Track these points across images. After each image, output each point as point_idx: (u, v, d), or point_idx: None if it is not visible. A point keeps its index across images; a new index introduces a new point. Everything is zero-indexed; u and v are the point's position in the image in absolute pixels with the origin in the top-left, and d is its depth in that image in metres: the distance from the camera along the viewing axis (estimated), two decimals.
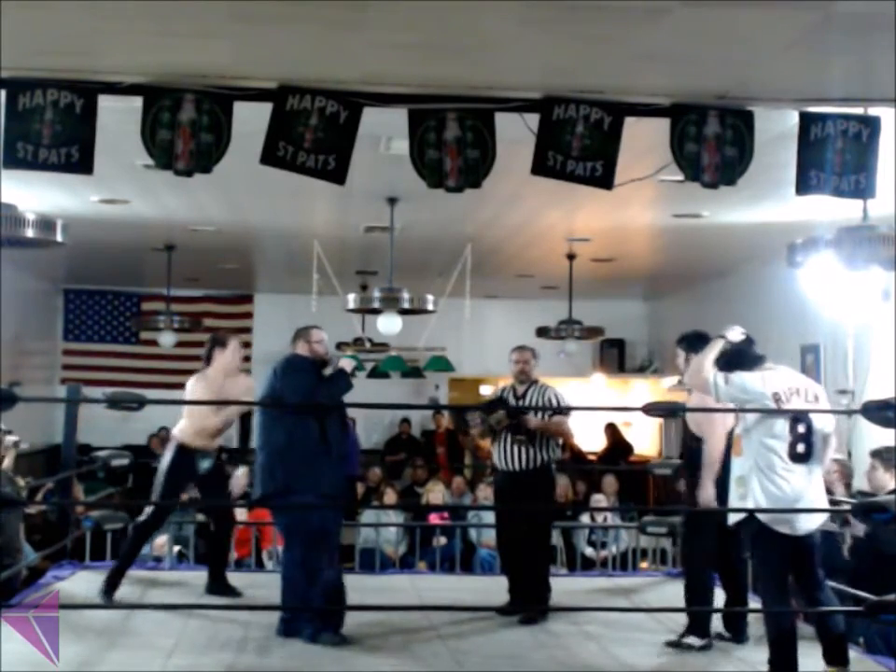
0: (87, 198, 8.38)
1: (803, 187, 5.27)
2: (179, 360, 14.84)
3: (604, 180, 5.17)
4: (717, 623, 6.16)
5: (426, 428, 16.04)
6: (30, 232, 5.32)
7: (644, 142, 5.52)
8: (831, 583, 5.48)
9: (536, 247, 10.99)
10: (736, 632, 6.12)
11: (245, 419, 7.07)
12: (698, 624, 5.95)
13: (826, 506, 5.41)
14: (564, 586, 7.32)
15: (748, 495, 5.12)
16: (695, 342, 6.16)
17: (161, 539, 9.10)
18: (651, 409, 7.16)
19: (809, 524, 5.15)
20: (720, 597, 6.26)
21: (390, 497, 10.74)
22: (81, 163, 4.91)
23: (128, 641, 5.89)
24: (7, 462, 8.00)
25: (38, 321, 14.91)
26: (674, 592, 6.70)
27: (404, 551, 9.81)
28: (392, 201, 8.36)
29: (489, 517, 9.54)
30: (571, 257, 11.17)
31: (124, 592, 7.13)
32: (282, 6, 4.24)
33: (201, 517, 9.14)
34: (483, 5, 4.19)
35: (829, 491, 5.67)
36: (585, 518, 10.45)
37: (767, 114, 5.35)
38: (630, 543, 9.52)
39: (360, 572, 8.73)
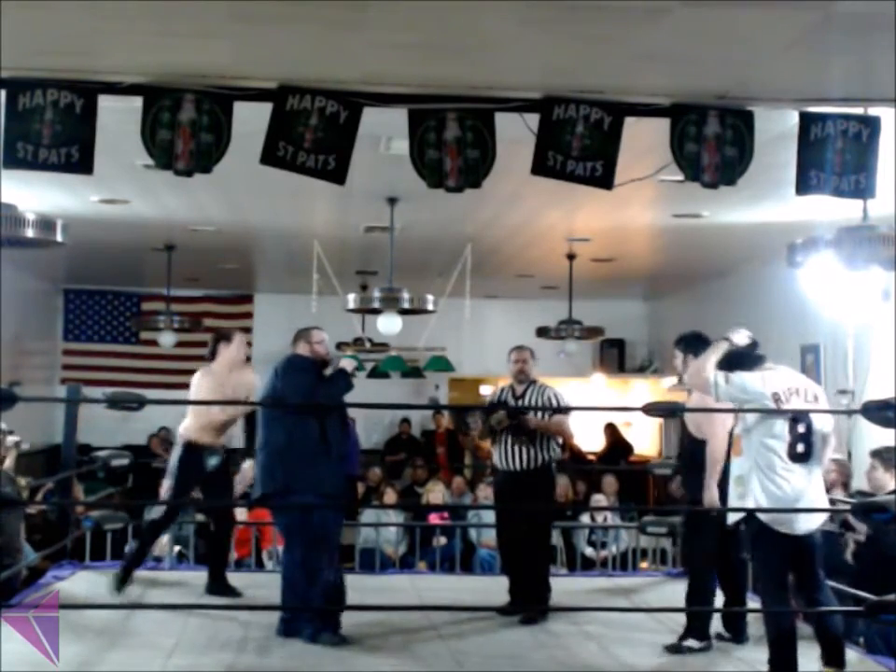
0: (87, 198, 8.38)
1: (803, 187, 5.26)
2: (179, 360, 14.83)
3: (604, 180, 5.17)
4: (716, 624, 6.16)
5: (426, 428, 16.04)
6: (30, 232, 5.32)
7: (644, 142, 5.52)
8: (831, 583, 5.47)
9: (536, 247, 10.98)
10: (736, 632, 6.12)
11: (250, 417, 7.07)
12: (698, 626, 5.95)
13: (826, 506, 5.41)
14: (564, 586, 7.32)
15: (747, 494, 5.12)
16: (693, 343, 6.16)
17: (163, 540, 9.11)
18: (651, 409, 7.16)
19: (809, 524, 5.15)
20: (718, 597, 6.25)
21: (390, 497, 10.74)
22: (81, 163, 4.91)
23: (128, 641, 5.89)
24: (9, 462, 8.00)
25: (38, 321, 14.91)
26: (674, 592, 6.71)
27: (404, 551, 9.81)
28: (392, 201, 8.36)
29: (489, 517, 9.53)
30: (571, 257, 11.16)
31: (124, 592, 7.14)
32: (282, 6, 4.24)
33: (201, 517, 9.15)
34: (483, 5, 4.19)
35: (828, 491, 5.67)
36: (585, 518, 10.45)
37: (767, 114, 5.35)
38: (630, 543, 9.53)
39: (360, 572, 8.73)
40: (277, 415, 6.04)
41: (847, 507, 6.18)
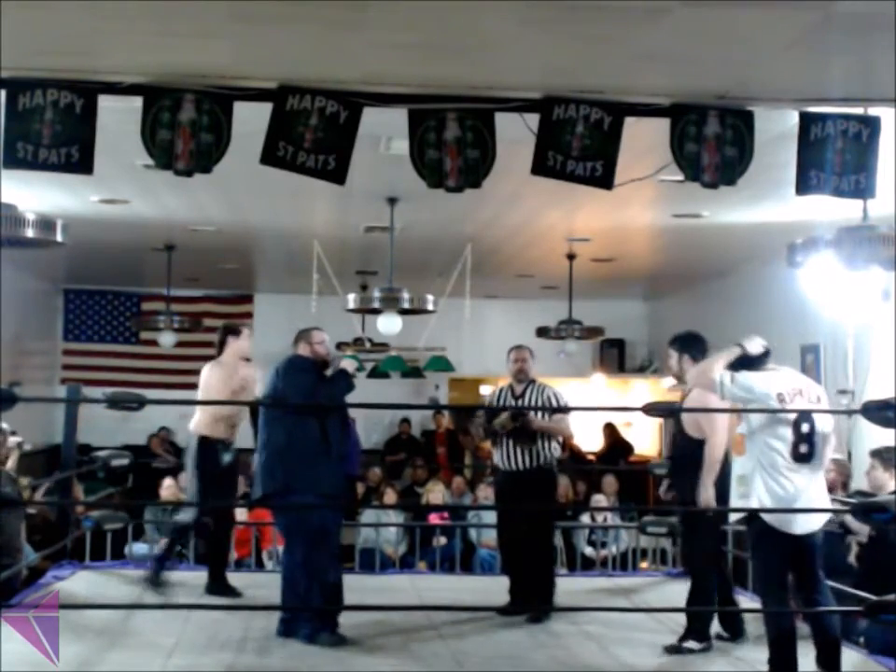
0: (87, 198, 8.38)
1: (803, 187, 5.26)
2: (179, 360, 14.85)
3: (604, 180, 5.17)
4: (715, 624, 6.16)
5: (426, 428, 16.04)
6: (30, 232, 5.32)
7: (644, 142, 5.52)
8: (832, 584, 5.47)
9: (536, 247, 10.98)
10: (734, 631, 6.12)
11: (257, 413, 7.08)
12: (698, 628, 5.94)
13: (828, 506, 5.41)
14: (564, 586, 7.31)
15: (750, 494, 5.11)
16: (688, 342, 6.17)
17: (164, 542, 9.11)
18: (651, 409, 7.17)
19: (812, 524, 5.15)
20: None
21: (390, 497, 10.74)
22: (81, 163, 4.91)
23: (128, 641, 5.89)
24: (11, 463, 8.01)
25: (38, 321, 14.91)
26: (674, 592, 6.71)
27: (404, 551, 9.81)
28: (392, 201, 8.36)
29: (489, 517, 9.54)
30: (571, 257, 11.16)
31: (124, 592, 7.14)
32: (282, 6, 4.24)
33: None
34: (483, 5, 4.19)
35: (829, 491, 5.67)
36: (585, 518, 10.45)
37: (767, 114, 5.35)
38: (630, 543, 9.53)
39: (360, 572, 8.74)
40: (278, 415, 6.05)
41: (848, 507, 6.17)
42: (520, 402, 6.99)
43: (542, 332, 11.87)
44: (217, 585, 7.10)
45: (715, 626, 6.12)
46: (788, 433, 5.07)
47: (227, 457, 7.03)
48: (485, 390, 15.95)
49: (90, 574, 7.67)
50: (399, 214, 8.50)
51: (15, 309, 12.42)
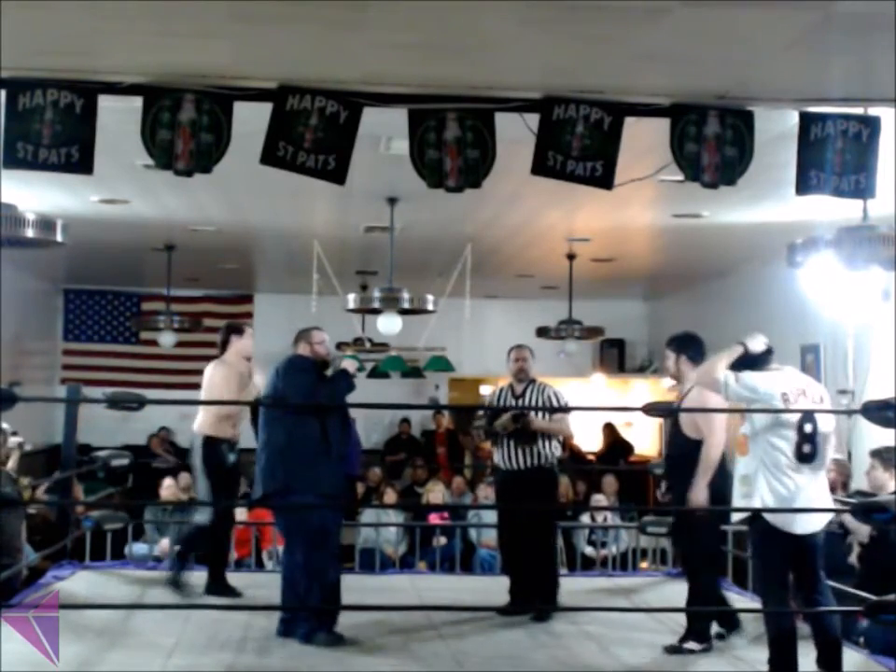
0: (87, 198, 8.38)
1: (803, 187, 5.26)
2: (179, 360, 14.86)
3: (604, 180, 5.17)
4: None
5: (426, 428, 16.04)
6: (30, 232, 5.32)
7: (644, 142, 5.52)
8: (833, 584, 5.47)
9: (536, 247, 10.98)
10: (730, 625, 6.11)
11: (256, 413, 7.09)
12: (698, 629, 5.93)
13: (831, 506, 5.40)
14: (564, 586, 7.29)
15: (753, 494, 5.11)
16: (685, 343, 6.17)
17: (165, 542, 9.12)
18: (651, 409, 7.17)
19: (814, 524, 5.15)
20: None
21: (390, 497, 10.74)
22: (81, 163, 4.91)
23: (128, 641, 5.89)
24: (12, 463, 8.01)
25: (38, 321, 14.91)
26: (674, 592, 6.71)
27: (404, 551, 9.81)
28: (392, 201, 8.36)
29: (489, 517, 9.54)
30: (571, 257, 11.16)
31: (124, 592, 7.14)
32: (282, 6, 4.24)
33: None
34: (483, 5, 4.19)
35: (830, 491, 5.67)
36: (585, 518, 10.45)
37: (767, 114, 5.35)
38: (630, 543, 9.53)
39: (360, 572, 8.74)
40: (278, 415, 6.05)
41: (848, 507, 6.17)
42: (520, 402, 6.99)
43: (542, 332, 11.87)
44: (217, 585, 7.10)
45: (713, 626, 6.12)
46: (791, 433, 5.07)
47: (232, 457, 7.03)
48: (485, 390, 15.96)
49: (90, 574, 7.67)
50: (398, 214, 8.50)
51: (15, 309, 12.42)
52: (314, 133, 4.98)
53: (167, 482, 10.02)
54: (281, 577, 6.10)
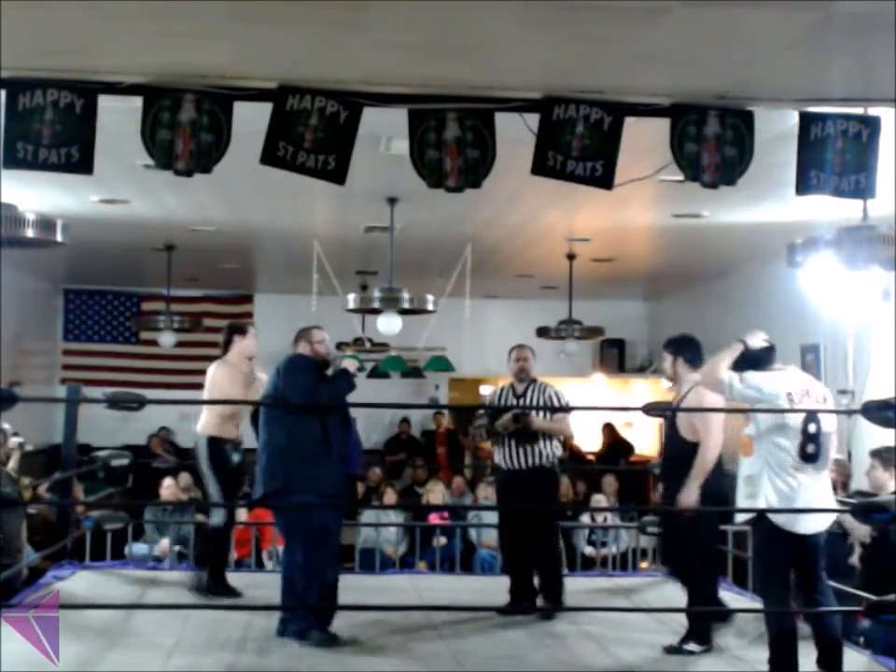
0: (87, 198, 8.38)
1: (803, 187, 5.26)
2: (179, 360, 14.86)
3: (604, 180, 5.17)
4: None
5: (426, 428, 16.05)
6: (30, 232, 5.32)
7: (644, 142, 5.52)
8: (833, 584, 5.47)
9: (536, 247, 10.99)
10: (720, 617, 6.11)
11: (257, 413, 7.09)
12: (699, 630, 5.92)
13: (834, 506, 5.41)
14: (565, 586, 7.31)
15: (758, 494, 5.12)
16: (682, 345, 6.17)
17: (165, 542, 9.12)
18: (650, 409, 7.16)
19: (818, 523, 5.16)
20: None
21: (390, 497, 10.74)
22: (81, 163, 4.91)
23: (128, 641, 5.89)
24: (13, 463, 8.01)
25: (38, 321, 14.91)
26: (674, 592, 6.70)
27: (404, 551, 9.81)
28: (392, 201, 8.36)
29: (489, 517, 9.54)
30: (571, 257, 11.16)
31: (124, 592, 7.14)
32: (282, 6, 4.24)
33: (200, 517, 9.15)
34: (483, 5, 4.19)
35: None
36: (585, 518, 10.45)
37: (767, 114, 5.35)
38: (630, 543, 9.53)
39: (360, 572, 8.74)
40: (279, 415, 6.04)
41: (848, 507, 6.17)
42: (521, 402, 6.98)
43: (542, 332, 11.87)
44: (217, 585, 7.10)
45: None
46: (796, 433, 5.07)
47: (236, 457, 7.03)
48: (485, 390, 15.97)
49: (90, 574, 7.67)
50: (398, 214, 8.50)
51: (15, 309, 12.43)
52: (314, 133, 4.98)
53: (167, 482, 10.02)
54: (281, 577, 6.10)
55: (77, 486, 10.07)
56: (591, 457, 14.93)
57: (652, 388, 15.62)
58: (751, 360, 5.25)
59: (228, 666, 5.47)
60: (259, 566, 9.16)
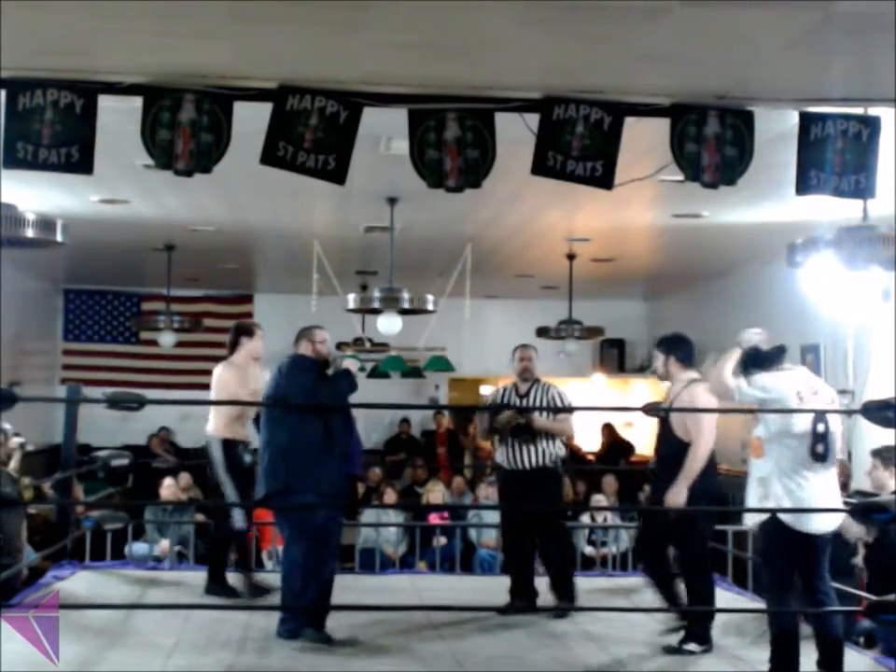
0: (87, 198, 8.38)
1: (803, 187, 5.27)
2: (179, 360, 14.87)
3: (604, 180, 5.17)
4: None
5: (426, 428, 16.04)
6: (30, 232, 5.32)
7: (644, 142, 5.52)
8: (836, 585, 5.47)
9: (536, 247, 10.99)
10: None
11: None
12: (698, 630, 5.92)
13: (841, 506, 5.41)
14: None
15: (769, 495, 5.13)
16: (674, 344, 6.19)
17: (165, 543, 9.12)
18: (650, 409, 7.16)
19: (829, 523, 5.17)
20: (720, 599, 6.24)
21: (390, 497, 10.74)
22: (81, 163, 4.91)
23: (128, 641, 5.89)
24: (14, 463, 8.01)
25: (38, 321, 14.91)
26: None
27: (404, 551, 9.81)
28: (392, 201, 8.36)
29: (489, 517, 9.55)
30: (571, 257, 11.17)
31: (124, 592, 7.14)
32: (282, 6, 4.24)
33: (200, 517, 9.15)
34: (483, 5, 4.19)
35: None
36: (585, 518, 10.45)
37: (767, 114, 5.35)
38: (630, 543, 9.52)
39: (360, 572, 8.74)
40: (281, 415, 6.03)
41: (848, 507, 6.18)
42: (524, 401, 6.98)
43: (542, 332, 11.87)
44: (217, 585, 7.10)
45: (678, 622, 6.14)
46: (806, 433, 5.08)
47: (248, 458, 7.03)
48: (485, 390, 15.96)
49: (90, 574, 7.66)
50: (398, 214, 8.50)
51: (15, 309, 12.43)
52: (314, 133, 4.98)
53: (167, 482, 10.03)
54: (281, 577, 6.10)
55: (77, 486, 10.07)
56: (591, 457, 14.93)
57: (652, 388, 15.59)
58: (760, 360, 5.27)
59: (228, 666, 5.47)
60: (259, 565, 9.16)
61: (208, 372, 7.26)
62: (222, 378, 7.03)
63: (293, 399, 6.00)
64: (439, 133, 5.07)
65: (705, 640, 5.90)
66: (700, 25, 4.38)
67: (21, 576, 7.38)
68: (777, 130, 5.72)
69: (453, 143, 5.07)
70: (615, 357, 16.33)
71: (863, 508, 5.49)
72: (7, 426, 7.98)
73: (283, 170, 5.05)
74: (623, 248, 11.15)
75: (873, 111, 5.23)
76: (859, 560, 7.01)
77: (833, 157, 5.20)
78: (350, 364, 6.13)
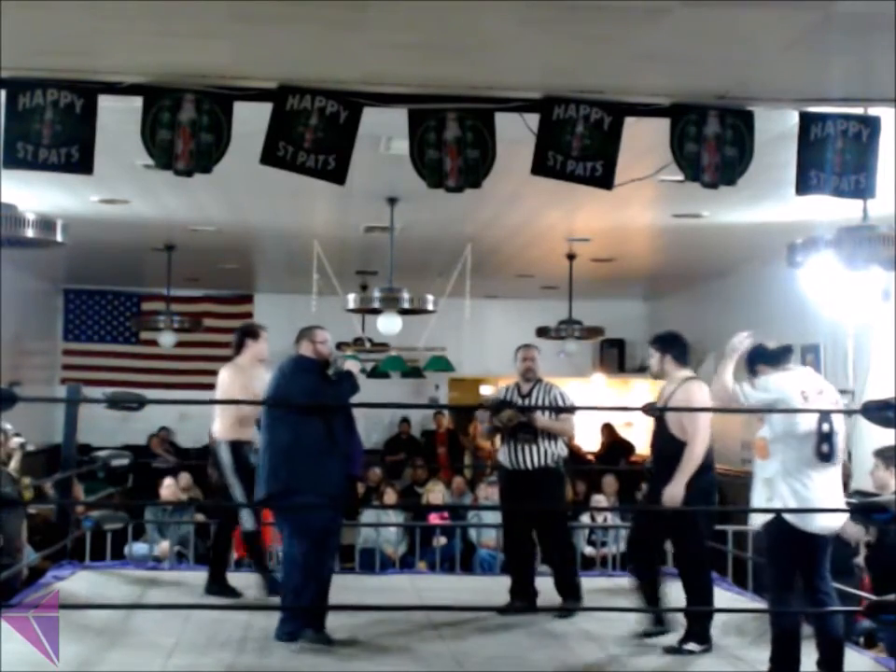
0: (87, 198, 8.38)
1: (803, 187, 5.27)
2: (179, 360, 14.87)
3: (604, 180, 5.17)
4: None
5: (426, 428, 16.04)
6: (30, 232, 5.32)
7: (644, 142, 5.52)
8: (836, 585, 5.48)
9: (536, 247, 10.99)
10: (661, 624, 6.13)
11: None
12: (698, 630, 5.92)
13: (844, 505, 5.42)
14: None
15: (775, 496, 5.14)
16: (669, 342, 6.20)
17: (165, 545, 9.11)
18: (650, 409, 7.15)
19: (832, 522, 5.18)
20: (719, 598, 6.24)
21: (390, 497, 10.74)
22: (81, 163, 4.91)
23: (128, 641, 5.89)
24: (14, 463, 8.01)
25: (38, 321, 14.91)
26: (674, 592, 6.69)
27: (404, 551, 9.81)
28: (392, 201, 8.36)
29: (489, 517, 9.54)
30: (571, 257, 11.17)
31: (124, 592, 7.14)
32: (282, 6, 4.24)
33: (200, 517, 9.15)
34: (483, 5, 4.19)
35: None
36: (585, 518, 10.45)
37: (767, 114, 5.35)
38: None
39: (360, 572, 8.74)
40: (283, 416, 6.02)
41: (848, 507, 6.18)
42: (527, 401, 6.99)
43: (542, 332, 11.87)
44: (217, 585, 7.10)
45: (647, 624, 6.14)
46: (811, 433, 5.09)
47: (254, 459, 7.03)
48: (485, 390, 15.96)
49: (90, 574, 7.67)
50: (399, 214, 8.50)
51: (15, 309, 12.43)
52: (314, 133, 4.98)
53: (167, 481, 10.03)
54: (282, 579, 6.09)
55: (77, 486, 10.07)
56: (590, 457, 14.93)
57: (652, 388, 15.58)
58: (766, 357, 5.28)
59: (228, 666, 5.47)
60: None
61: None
62: (227, 381, 7.01)
63: (296, 400, 5.99)
64: (439, 133, 5.07)
65: (704, 640, 5.90)
66: (700, 25, 4.38)
67: (21, 576, 7.38)
68: (777, 130, 5.72)
69: (453, 143, 5.07)
70: (615, 357, 16.33)
71: (863, 508, 5.50)
72: (7, 426, 7.98)
73: (283, 170, 5.05)
74: (623, 248, 11.15)
75: (873, 111, 5.23)
76: (860, 560, 7.00)
77: (832, 157, 5.20)
78: (352, 366, 6.13)
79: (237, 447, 6.94)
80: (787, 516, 5.08)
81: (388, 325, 9.25)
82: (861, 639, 6.51)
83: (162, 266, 11.45)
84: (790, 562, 5.16)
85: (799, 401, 5.13)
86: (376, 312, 9.30)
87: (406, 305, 8.85)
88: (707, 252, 11.07)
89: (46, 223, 5.43)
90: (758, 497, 5.27)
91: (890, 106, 5.13)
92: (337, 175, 5.07)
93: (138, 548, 9.18)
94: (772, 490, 5.15)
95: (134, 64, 4.85)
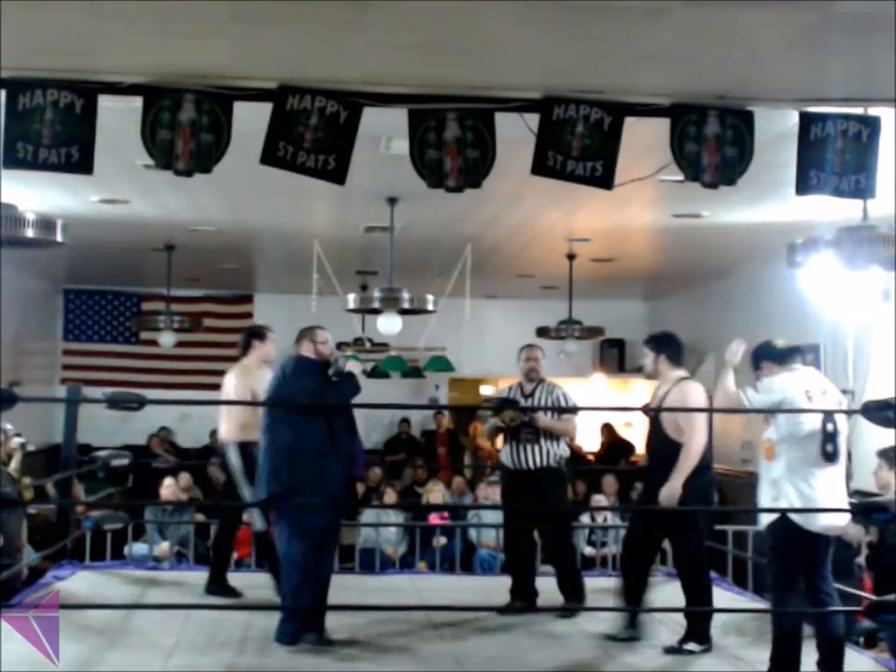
0: (87, 198, 8.38)
1: (803, 187, 5.27)
2: (179, 360, 14.86)
3: (604, 180, 5.17)
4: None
5: (426, 428, 16.04)
6: (30, 232, 5.32)
7: (644, 142, 5.52)
8: (836, 585, 5.48)
9: (536, 247, 10.99)
10: (632, 625, 6.14)
11: None
12: (698, 630, 5.92)
13: (848, 505, 5.43)
14: None
15: (780, 497, 5.14)
16: (664, 342, 6.20)
17: (165, 545, 9.11)
18: (650, 409, 7.14)
19: (836, 522, 5.18)
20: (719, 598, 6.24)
21: (390, 497, 10.74)
22: (81, 163, 4.91)
23: (128, 641, 5.90)
24: (14, 463, 8.01)
25: (38, 321, 14.91)
26: (674, 592, 6.70)
27: (404, 551, 9.81)
28: (392, 201, 8.36)
29: (489, 517, 9.54)
30: (571, 257, 11.17)
31: (124, 592, 7.14)
32: (282, 6, 4.24)
33: (200, 517, 9.15)
34: (483, 5, 4.19)
35: None
36: (585, 518, 10.45)
37: (767, 114, 5.35)
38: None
39: (360, 572, 8.74)
40: (284, 417, 6.02)
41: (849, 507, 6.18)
42: (529, 401, 6.99)
43: (542, 332, 11.87)
44: (218, 585, 7.10)
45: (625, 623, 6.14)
46: (816, 433, 5.10)
47: None
48: (485, 390, 15.96)
49: (90, 574, 7.67)
50: (399, 214, 8.50)
51: (15, 309, 12.42)
52: (314, 133, 4.98)
53: (167, 482, 10.02)
54: (283, 581, 6.09)
55: (78, 486, 10.07)
56: (590, 457, 14.93)
57: (652, 388, 15.61)
58: (773, 355, 5.29)
59: (228, 666, 5.47)
60: (260, 566, 9.14)
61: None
62: (233, 383, 6.99)
63: (297, 401, 5.98)
64: (439, 133, 5.07)
65: (704, 640, 5.90)
66: (700, 25, 4.39)
67: (21, 576, 7.38)
68: (777, 130, 5.72)
69: (453, 143, 5.07)
70: (615, 357, 16.33)
71: (864, 507, 5.50)
72: (7, 426, 7.98)
73: (283, 170, 5.05)
74: (623, 248, 11.15)
75: (873, 111, 5.23)
76: (861, 560, 7.00)
77: (832, 157, 5.20)
78: (354, 366, 6.12)
79: (246, 448, 6.93)
80: (792, 515, 5.09)
81: (388, 325, 9.25)
82: (862, 639, 6.51)
83: (162, 266, 11.45)
84: (794, 562, 5.17)
85: (803, 401, 5.14)
86: (376, 312, 9.30)
87: (406, 305, 8.85)
88: (706, 252, 11.07)
89: (46, 223, 5.43)
90: (764, 498, 5.28)
91: (890, 106, 5.13)
92: (337, 175, 5.07)
93: (138, 548, 9.18)
94: (778, 490, 5.16)
95: (134, 64, 4.85)
